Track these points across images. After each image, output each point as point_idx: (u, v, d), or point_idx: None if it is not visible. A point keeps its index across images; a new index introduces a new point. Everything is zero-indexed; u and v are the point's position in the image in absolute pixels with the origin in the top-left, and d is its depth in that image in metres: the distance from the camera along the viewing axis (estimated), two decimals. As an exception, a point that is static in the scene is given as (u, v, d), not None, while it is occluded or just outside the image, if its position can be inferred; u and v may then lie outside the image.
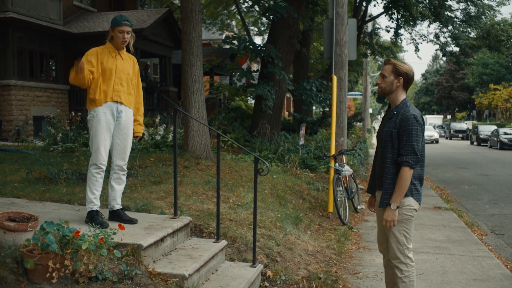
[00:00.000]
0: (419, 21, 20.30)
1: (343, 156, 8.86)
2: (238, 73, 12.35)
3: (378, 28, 24.10)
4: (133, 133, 4.55)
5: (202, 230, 5.15)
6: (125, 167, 4.47)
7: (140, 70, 4.98)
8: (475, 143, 35.65)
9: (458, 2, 20.05)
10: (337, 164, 8.31)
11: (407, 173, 3.53)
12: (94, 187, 4.31)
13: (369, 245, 6.58)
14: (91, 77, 4.27)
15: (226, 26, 22.09)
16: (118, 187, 4.47)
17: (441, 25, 20.41)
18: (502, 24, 20.86)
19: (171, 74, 20.96)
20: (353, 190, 8.83)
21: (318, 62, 23.54)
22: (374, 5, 25.80)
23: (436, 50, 25.50)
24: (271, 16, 12.24)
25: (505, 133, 29.48)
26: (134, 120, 4.54)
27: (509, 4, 23.50)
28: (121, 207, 4.53)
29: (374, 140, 30.35)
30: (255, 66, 29.42)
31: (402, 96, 3.71)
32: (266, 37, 20.19)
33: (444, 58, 33.36)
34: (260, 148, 10.42)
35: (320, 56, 22.92)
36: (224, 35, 19.35)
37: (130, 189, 5.88)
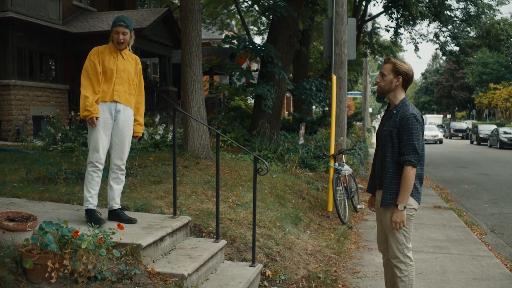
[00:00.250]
0: (419, 21, 20.31)
1: (343, 155, 8.86)
2: (237, 73, 12.34)
3: (378, 28, 24.09)
4: (133, 132, 4.55)
5: (202, 230, 5.14)
6: (123, 167, 4.47)
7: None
8: (475, 142, 35.66)
9: (458, 2, 20.05)
10: (336, 164, 8.31)
11: (410, 172, 3.53)
12: (90, 185, 4.32)
13: (368, 244, 6.58)
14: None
15: (225, 26, 22.08)
16: (117, 187, 4.47)
17: (441, 25, 20.42)
18: (501, 24, 20.86)
19: (171, 74, 20.96)
20: (352, 190, 8.83)
21: (317, 61, 23.52)
22: (374, 5, 25.75)
23: (436, 49, 25.47)
24: (271, 16, 12.24)
25: (505, 133, 29.49)
26: (134, 120, 4.54)
27: (508, 3, 23.49)
28: (120, 206, 4.53)
29: (373, 140, 30.35)
30: (254, 66, 29.41)
31: (401, 95, 3.71)
32: (265, 36, 20.18)
33: (444, 58, 33.38)
34: (259, 147, 10.42)
35: (319, 56, 22.92)
36: (223, 35, 19.31)
37: (130, 189, 5.87)
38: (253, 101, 13.46)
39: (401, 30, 20.95)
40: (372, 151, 20.52)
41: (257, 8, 18.14)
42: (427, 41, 23.57)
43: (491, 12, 20.72)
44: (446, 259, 5.92)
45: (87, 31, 17.47)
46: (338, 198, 7.78)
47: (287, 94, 23.30)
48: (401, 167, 3.56)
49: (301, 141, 11.19)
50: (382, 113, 4.71)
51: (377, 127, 8.94)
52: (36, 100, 16.29)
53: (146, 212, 5.03)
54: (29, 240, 3.23)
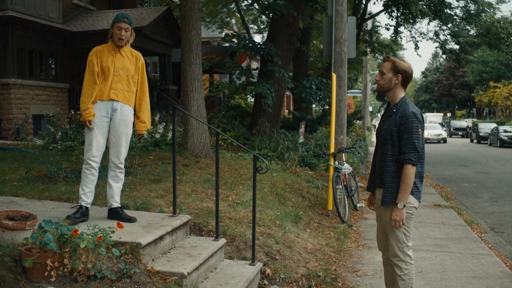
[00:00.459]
0: (419, 19, 20.32)
1: (343, 154, 8.85)
2: (237, 71, 12.34)
3: (378, 26, 24.12)
4: (136, 131, 4.56)
5: (201, 228, 5.14)
6: (121, 165, 4.46)
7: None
8: (475, 141, 35.64)
9: (458, 0, 20.05)
10: (336, 162, 8.30)
11: (410, 171, 3.52)
12: (84, 183, 4.34)
13: (368, 243, 6.58)
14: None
15: (225, 24, 22.09)
16: (116, 185, 4.47)
17: (441, 23, 20.42)
18: (502, 22, 20.85)
19: (171, 72, 20.96)
20: (352, 188, 8.83)
21: (317, 60, 23.53)
22: (374, 3, 25.78)
23: (436, 48, 25.50)
24: (271, 14, 12.23)
25: (505, 131, 29.47)
26: (136, 118, 4.52)
27: (508, 2, 23.48)
28: (120, 205, 4.52)
29: (373, 138, 30.34)
30: (254, 64, 29.40)
31: (401, 93, 3.71)
32: (265, 35, 20.16)
33: (444, 56, 33.36)
34: (259, 146, 10.41)
35: (319, 54, 22.92)
36: (223, 33, 19.31)
37: (129, 188, 5.87)
38: (253, 99, 13.46)
39: (401, 29, 20.92)
40: (372, 149, 20.51)
41: (257, 7, 18.15)
42: (427, 40, 23.60)
43: (491, 10, 20.71)
44: (446, 257, 5.92)
45: (87, 30, 17.47)
46: (338, 197, 7.78)
47: (287, 93, 23.32)
48: (401, 166, 3.56)
49: (301, 140, 11.19)
50: (382, 112, 4.70)
51: (377, 125, 8.94)
52: (36, 99, 16.29)
53: (146, 211, 5.03)
54: (29, 239, 3.23)
